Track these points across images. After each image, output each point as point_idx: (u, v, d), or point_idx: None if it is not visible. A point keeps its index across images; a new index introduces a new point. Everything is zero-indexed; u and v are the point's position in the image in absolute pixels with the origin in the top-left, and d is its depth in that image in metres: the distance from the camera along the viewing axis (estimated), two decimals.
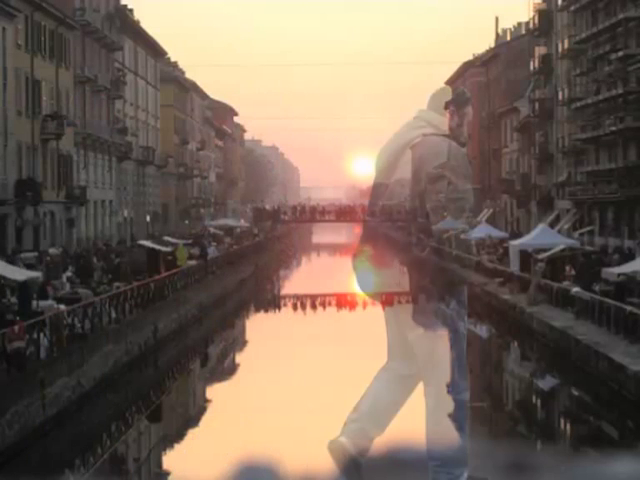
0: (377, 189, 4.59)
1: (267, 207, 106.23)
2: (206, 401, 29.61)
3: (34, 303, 27.56)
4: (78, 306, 28.30)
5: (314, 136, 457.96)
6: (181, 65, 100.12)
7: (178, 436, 24.33)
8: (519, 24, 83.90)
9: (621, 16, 49.17)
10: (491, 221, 72.59)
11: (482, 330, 43.60)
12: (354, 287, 4.89)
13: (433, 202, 4.30)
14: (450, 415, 4.42)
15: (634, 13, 48.38)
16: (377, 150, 4.68)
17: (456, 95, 4.64)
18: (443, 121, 4.52)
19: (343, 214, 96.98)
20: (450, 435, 4.42)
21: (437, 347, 4.42)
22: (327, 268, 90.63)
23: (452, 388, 4.44)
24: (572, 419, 26.97)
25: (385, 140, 4.70)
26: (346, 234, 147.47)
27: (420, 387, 4.57)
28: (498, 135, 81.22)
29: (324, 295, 56.96)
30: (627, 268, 33.26)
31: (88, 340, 27.32)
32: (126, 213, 68.10)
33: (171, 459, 22.15)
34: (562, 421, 27.83)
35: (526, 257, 44.22)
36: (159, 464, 22.53)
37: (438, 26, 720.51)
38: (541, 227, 49.41)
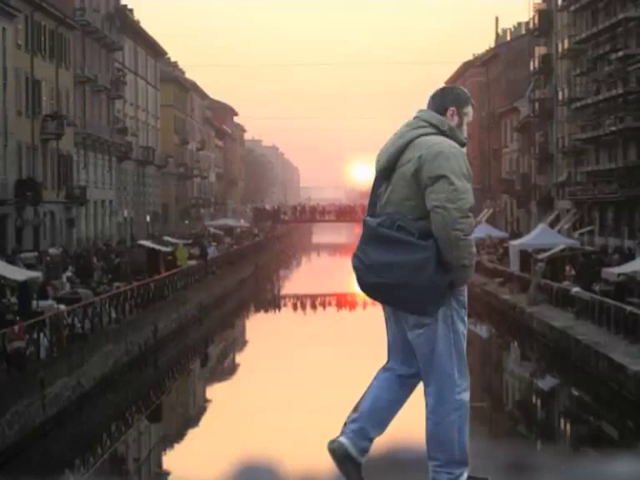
0: (377, 189, 4.59)
1: (267, 207, 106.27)
2: (206, 401, 29.63)
3: (34, 303, 27.56)
4: (78, 306, 28.30)
5: (314, 136, 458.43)
6: (181, 65, 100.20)
7: (178, 436, 24.34)
8: (519, 24, 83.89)
9: (621, 16, 49.15)
10: (491, 221, 72.61)
11: (482, 330, 43.60)
12: (354, 287, 4.89)
13: (433, 202, 4.30)
14: (450, 415, 4.42)
15: (634, 13, 48.36)
16: (377, 151, 4.67)
17: (456, 95, 4.65)
18: (443, 121, 4.53)
19: (343, 214, 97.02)
20: (450, 435, 4.41)
21: (437, 347, 4.42)
22: (327, 268, 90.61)
23: (452, 388, 4.43)
24: (572, 419, 26.97)
25: (385, 140, 4.70)
26: (346, 234, 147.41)
27: (420, 387, 4.56)
28: (498, 135, 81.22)
29: (324, 295, 57.00)
30: (627, 268, 33.27)
31: (88, 340, 27.32)
32: (126, 213, 68.09)
33: (171, 459, 22.16)
34: (562, 421, 27.83)
35: (526, 257, 44.25)
36: (159, 464, 22.54)
37: (438, 26, 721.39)
38: (541, 227, 49.42)
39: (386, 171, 4.53)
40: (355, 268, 4.51)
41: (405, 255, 4.31)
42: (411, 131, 4.56)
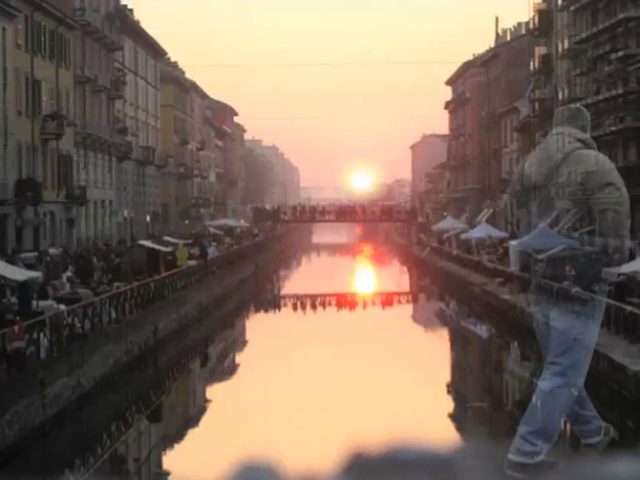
0: (534, 190, 4.88)
1: (267, 207, 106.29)
2: (206, 401, 29.61)
3: (34, 303, 27.57)
4: (78, 306, 28.30)
5: (314, 136, 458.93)
6: (181, 65, 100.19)
7: (178, 436, 24.33)
8: (519, 24, 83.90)
9: (621, 16, 49.18)
10: (491, 221, 72.61)
11: (482, 330, 43.60)
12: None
13: (601, 205, 4.95)
14: (560, 398, 4.76)
15: (634, 13, 48.40)
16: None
17: (587, 116, 5.19)
18: (585, 137, 5.01)
19: (343, 214, 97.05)
20: (551, 414, 4.74)
21: (583, 334, 4.84)
22: (327, 268, 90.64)
23: (575, 379, 4.81)
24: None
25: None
26: (346, 234, 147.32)
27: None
28: (498, 135, 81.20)
29: (324, 295, 56.99)
30: (627, 268, 33.23)
31: (88, 340, 27.32)
32: (126, 213, 68.10)
33: (171, 459, 22.15)
34: (562, 421, 27.80)
35: (526, 257, 44.19)
36: (159, 464, 22.53)
37: (438, 26, 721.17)
38: (541, 227, 49.36)
39: (548, 178, 4.99)
40: (526, 264, 4.95)
41: (578, 250, 4.77)
42: (567, 145, 5.14)
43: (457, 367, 35.85)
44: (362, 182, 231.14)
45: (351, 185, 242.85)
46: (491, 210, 78.17)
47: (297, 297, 57.54)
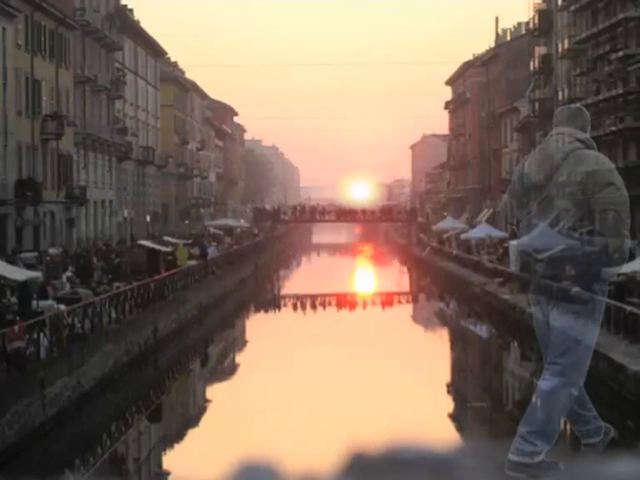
0: (534, 190, 5.29)
1: (267, 207, 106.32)
2: (206, 401, 29.62)
3: (34, 303, 27.57)
4: (78, 306, 28.30)
5: (314, 136, 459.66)
6: (181, 65, 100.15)
7: (178, 436, 24.34)
8: (519, 24, 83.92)
9: (621, 16, 49.18)
10: (491, 221, 72.61)
11: (482, 330, 43.60)
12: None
13: (601, 205, 5.01)
14: (560, 398, 4.85)
15: (634, 13, 48.39)
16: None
17: (587, 116, 5.31)
18: (585, 137, 5.19)
19: (343, 214, 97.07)
20: (551, 414, 4.82)
21: (583, 333, 4.99)
22: (327, 268, 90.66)
23: (575, 379, 4.85)
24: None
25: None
26: (346, 234, 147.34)
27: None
28: (498, 135, 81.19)
29: (324, 295, 57.00)
30: (627, 268, 33.21)
31: (88, 340, 27.32)
32: (126, 213, 68.09)
33: (171, 459, 22.15)
34: (562, 421, 27.79)
35: (526, 257, 44.18)
36: (159, 464, 22.54)
37: (438, 26, 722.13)
38: (541, 227, 49.36)
39: (547, 179, 5.19)
40: (526, 264, 5.33)
41: (578, 250, 5.10)
42: (566, 145, 5.13)
43: (457, 367, 35.85)
44: (362, 185, 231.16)
45: (351, 186, 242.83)
46: (491, 210, 78.14)
47: (297, 297, 57.55)
